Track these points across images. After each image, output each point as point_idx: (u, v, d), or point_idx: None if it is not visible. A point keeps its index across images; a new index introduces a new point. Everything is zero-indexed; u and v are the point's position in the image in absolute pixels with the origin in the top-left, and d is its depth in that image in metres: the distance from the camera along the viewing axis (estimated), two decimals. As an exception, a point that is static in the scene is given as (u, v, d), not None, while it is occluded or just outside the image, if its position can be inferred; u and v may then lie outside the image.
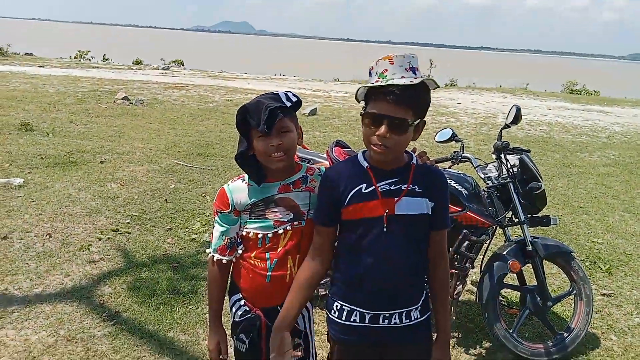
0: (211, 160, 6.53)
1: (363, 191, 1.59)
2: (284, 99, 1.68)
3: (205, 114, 9.80)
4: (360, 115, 1.58)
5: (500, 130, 3.14)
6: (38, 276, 3.44)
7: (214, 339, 1.85)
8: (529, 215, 3.03)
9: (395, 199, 1.58)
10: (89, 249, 3.86)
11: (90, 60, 22.96)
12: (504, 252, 2.93)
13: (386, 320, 1.64)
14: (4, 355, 2.67)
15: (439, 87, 1.60)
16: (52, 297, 3.23)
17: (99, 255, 3.80)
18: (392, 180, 1.59)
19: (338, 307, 1.68)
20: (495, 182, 3.01)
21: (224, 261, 1.79)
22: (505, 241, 3.10)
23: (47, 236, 4.01)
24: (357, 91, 1.61)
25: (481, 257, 3.08)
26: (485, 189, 3.01)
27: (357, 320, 1.65)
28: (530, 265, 2.98)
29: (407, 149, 1.64)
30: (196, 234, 4.29)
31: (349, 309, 1.66)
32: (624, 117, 13.79)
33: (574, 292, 3.04)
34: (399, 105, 1.49)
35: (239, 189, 1.75)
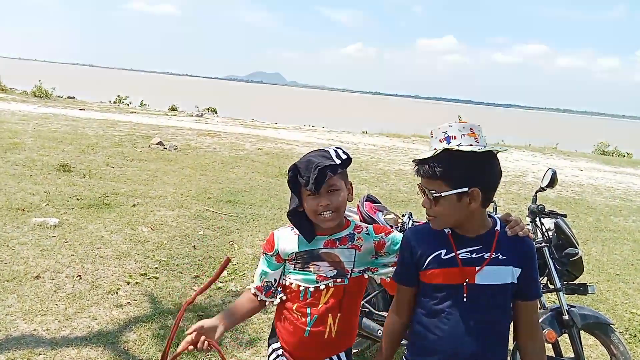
0: (240, 208, 6.60)
1: (442, 257, 1.55)
2: (334, 156, 1.68)
3: (236, 161, 10.00)
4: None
5: (535, 193, 3.10)
6: (66, 318, 3.47)
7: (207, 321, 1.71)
8: (564, 282, 2.93)
9: (477, 267, 1.53)
10: (117, 293, 3.89)
11: (128, 105, 23.93)
12: (540, 320, 2.82)
13: None
14: (28, 399, 2.66)
15: (480, 150, 1.50)
16: (78, 340, 3.23)
17: (127, 299, 3.82)
18: (474, 248, 1.55)
19: None
20: (530, 246, 2.95)
21: (259, 298, 1.80)
22: (540, 308, 2.99)
23: (78, 278, 4.06)
24: None
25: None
26: (520, 253, 2.94)
27: None
28: (566, 335, 2.86)
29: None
30: (222, 282, 4.28)
31: None
32: (659, 181, 13.46)
33: (614, 367, 2.88)
34: (425, 178, 1.55)
35: (286, 237, 1.77)
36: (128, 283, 4.08)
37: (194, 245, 5.04)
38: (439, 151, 1.50)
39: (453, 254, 1.55)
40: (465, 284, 1.53)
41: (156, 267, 4.43)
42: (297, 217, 1.73)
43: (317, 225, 1.73)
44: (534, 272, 1.60)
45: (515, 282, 1.55)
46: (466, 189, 1.50)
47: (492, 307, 1.55)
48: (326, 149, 1.72)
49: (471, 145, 1.50)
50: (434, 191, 1.51)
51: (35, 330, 3.29)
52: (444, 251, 1.56)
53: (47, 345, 3.14)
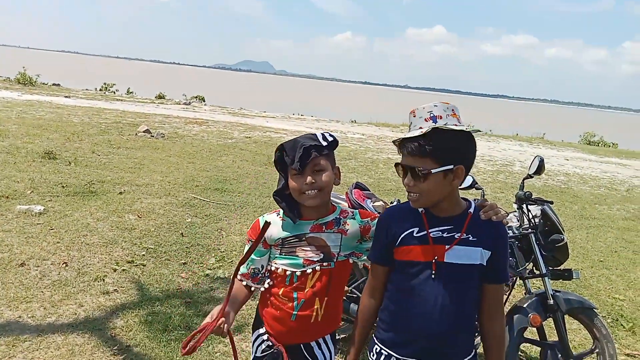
0: (228, 196, 6.57)
1: (415, 234, 1.59)
2: (320, 138, 1.71)
3: (224, 149, 9.94)
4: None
5: (523, 180, 3.13)
6: (52, 305, 3.44)
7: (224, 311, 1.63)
8: (550, 268, 2.97)
9: (447, 246, 1.57)
10: (103, 280, 3.86)
11: (114, 92, 23.64)
12: (525, 305, 2.86)
13: None
14: (13, 385, 2.64)
15: (464, 129, 1.56)
16: (64, 327, 3.21)
17: (113, 286, 3.79)
18: (445, 227, 1.58)
19: (377, 350, 1.66)
20: (516, 232, 2.98)
21: (244, 283, 1.80)
22: (525, 293, 3.03)
23: (64, 265, 4.02)
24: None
25: (500, 308, 3.00)
26: (506, 239, 2.97)
27: None
28: (550, 319, 2.90)
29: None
30: (210, 269, 4.27)
31: (386, 353, 1.63)
32: (643, 170, 13.66)
33: (597, 350, 2.93)
34: (413, 155, 1.54)
35: (272, 222, 1.76)
36: (115, 270, 4.05)
37: (182, 233, 5.01)
38: (428, 129, 1.51)
39: (425, 232, 1.58)
40: (434, 261, 1.56)
41: (143, 255, 4.41)
42: (283, 198, 1.73)
43: (303, 208, 1.73)
44: (504, 257, 1.63)
45: (484, 264, 1.58)
46: (452, 166, 1.53)
47: (459, 285, 1.58)
48: (313, 133, 1.75)
49: (456, 125, 1.54)
50: (422, 168, 1.52)
51: (20, 317, 3.26)
52: (416, 229, 1.60)
53: (32, 332, 3.11)
